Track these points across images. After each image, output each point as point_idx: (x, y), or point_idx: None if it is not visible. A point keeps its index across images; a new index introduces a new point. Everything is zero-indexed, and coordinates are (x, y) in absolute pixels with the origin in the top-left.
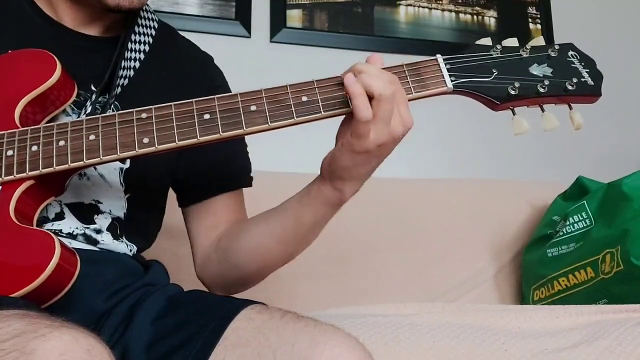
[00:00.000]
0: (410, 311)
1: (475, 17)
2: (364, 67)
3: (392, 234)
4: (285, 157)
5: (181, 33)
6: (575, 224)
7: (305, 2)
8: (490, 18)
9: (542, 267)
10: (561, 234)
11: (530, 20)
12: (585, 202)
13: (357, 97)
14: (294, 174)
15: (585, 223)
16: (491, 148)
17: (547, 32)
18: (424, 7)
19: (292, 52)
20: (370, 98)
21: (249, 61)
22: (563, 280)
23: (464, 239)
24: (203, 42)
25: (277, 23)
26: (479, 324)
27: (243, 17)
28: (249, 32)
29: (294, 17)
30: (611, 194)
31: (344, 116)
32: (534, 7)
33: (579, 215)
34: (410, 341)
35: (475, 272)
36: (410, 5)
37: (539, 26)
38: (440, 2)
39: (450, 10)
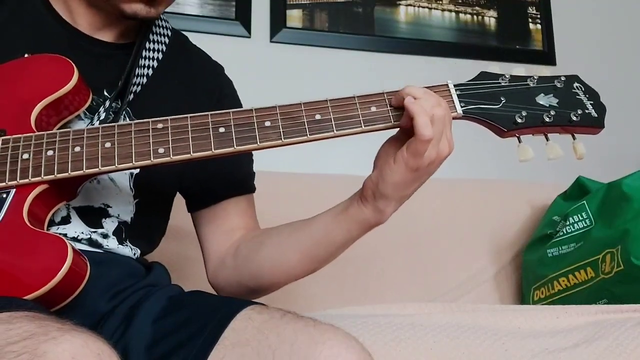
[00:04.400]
0: (410, 311)
1: (475, 17)
2: (414, 91)
3: (392, 234)
4: (285, 157)
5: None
6: (576, 224)
7: (305, 2)
8: (490, 18)
9: (542, 267)
10: (561, 234)
11: (530, 20)
12: (585, 202)
13: (419, 115)
14: (294, 174)
15: (586, 223)
16: (491, 148)
17: (547, 32)
18: (424, 7)
19: (292, 52)
20: None
21: (249, 61)
22: (563, 280)
23: (464, 239)
24: (203, 42)
25: (277, 23)
26: (479, 324)
27: (243, 17)
28: (249, 32)
29: (294, 17)
30: (611, 194)
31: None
32: (534, 7)
33: (579, 215)
34: (411, 341)
35: (475, 272)
36: (410, 5)
37: (539, 26)
38: (440, 2)
39: (450, 10)
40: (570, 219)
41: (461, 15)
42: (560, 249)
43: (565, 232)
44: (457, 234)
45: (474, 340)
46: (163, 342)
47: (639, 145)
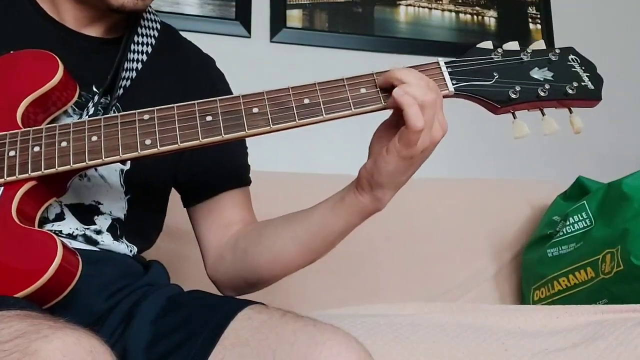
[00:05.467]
0: (410, 311)
1: (475, 17)
2: (403, 75)
3: (392, 233)
4: (285, 157)
5: (181, 33)
6: (576, 224)
7: (305, 2)
8: (490, 18)
9: (542, 267)
10: (561, 234)
11: (530, 20)
12: (585, 202)
13: (409, 106)
14: (293, 174)
15: (586, 223)
16: (491, 148)
17: (547, 32)
18: (424, 7)
19: (292, 52)
20: None
21: (249, 61)
22: (563, 280)
23: (464, 239)
24: (203, 42)
25: (277, 23)
26: (479, 324)
27: (243, 17)
28: (249, 32)
29: (294, 17)
30: (611, 193)
31: (346, 118)
32: (534, 7)
33: (579, 215)
34: (410, 341)
35: (475, 272)
36: (410, 5)
37: (539, 26)
38: (440, 2)
39: (450, 10)
40: (570, 219)
41: (461, 15)
42: (560, 249)
43: (565, 232)
44: (457, 233)
45: (474, 340)
46: (162, 342)
47: (639, 145)
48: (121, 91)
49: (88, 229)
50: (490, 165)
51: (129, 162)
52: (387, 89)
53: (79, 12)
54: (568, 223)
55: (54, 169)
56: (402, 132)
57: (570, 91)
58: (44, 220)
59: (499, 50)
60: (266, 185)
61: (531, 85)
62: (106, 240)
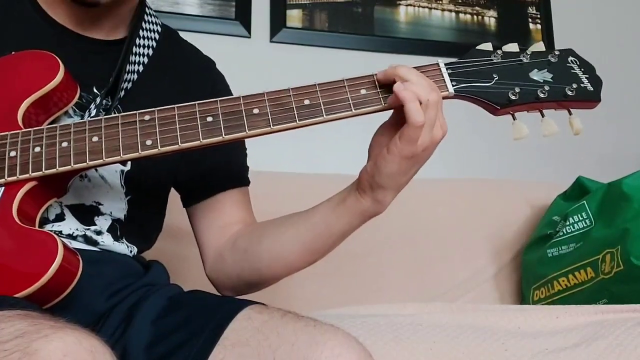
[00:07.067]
0: (410, 311)
1: (475, 17)
2: (405, 73)
3: (392, 233)
4: (287, 157)
5: (181, 33)
6: (575, 224)
7: (305, 2)
8: (490, 18)
9: (542, 267)
10: (561, 234)
11: (530, 20)
12: (585, 202)
13: (410, 101)
14: (294, 174)
15: (585, 223)
16: (491, 148)
17: (547, 32)
18: (424, 7)
19: (292, 52)
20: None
21: (249, 61)
22: (563, 280)
23: (464, 239)
24: (203, 42)
25: (277, 23)
26: (479, 324)
27: (243, 17)
28: (249, 32)
29: (294, 17)
30: (611, 194)
31: (346, 119)
32: (534, 7)
33: (579, 215)
34: (410, 341)
35: (475, 272)
36: (410, 5)
37: (539, 26)
38: (440, 2)
39: (450, 10)
40: (570, 219)
41: (461, 15)
42: (560, 249)
43: (565, 232)
44: (457, 233)
45: (474, 340)
46: (163, 342)
47: (639, 145)
48: (122, 93)
49: (88, 229)
50: (490, 165)
51: (129, 163)
52: (387, 88)
53: (69, 11)
54: (568, 223)
55: (55, 169)
56: (403, 129)
57: (569, 93)
58: (44, 221)
59: (499, 51)
60: (268, 186)
61: (530, 86)
62: (106, 241)
